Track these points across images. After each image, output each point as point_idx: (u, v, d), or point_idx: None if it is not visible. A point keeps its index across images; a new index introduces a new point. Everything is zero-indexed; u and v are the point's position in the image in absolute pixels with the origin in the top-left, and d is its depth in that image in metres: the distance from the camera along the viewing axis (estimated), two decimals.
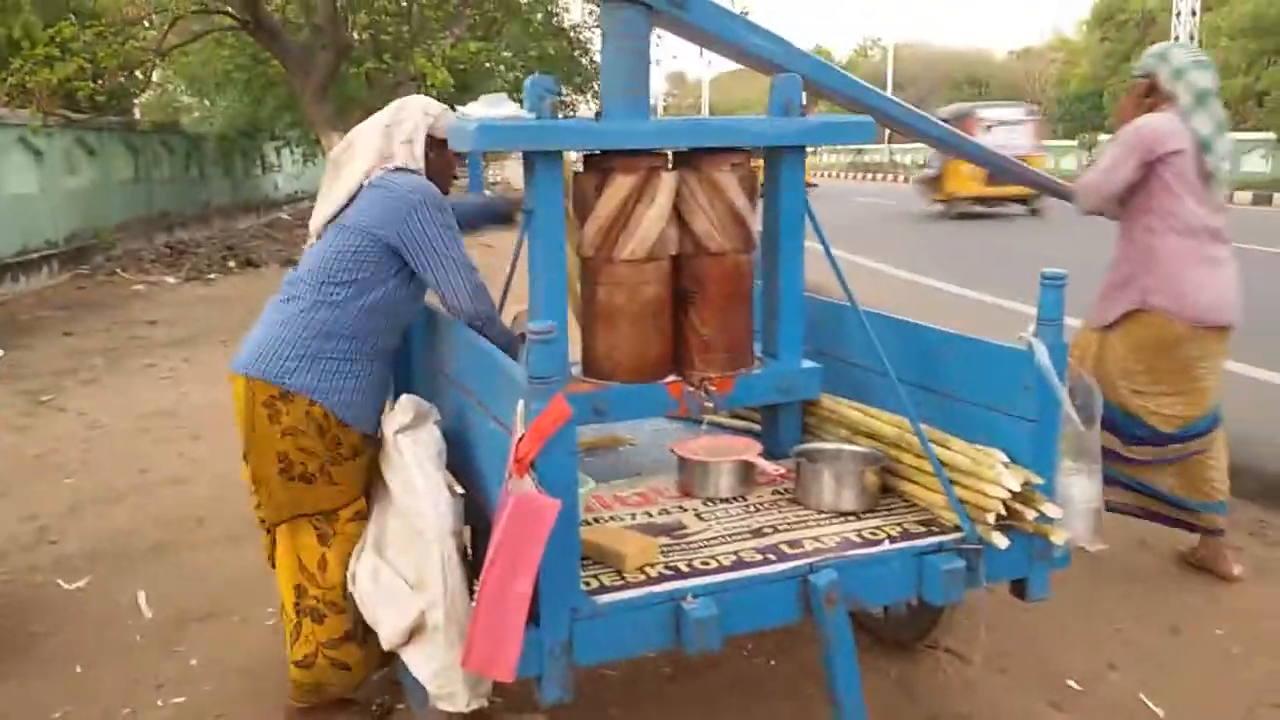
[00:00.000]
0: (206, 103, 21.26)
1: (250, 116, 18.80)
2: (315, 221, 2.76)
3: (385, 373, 2.77)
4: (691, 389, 2.82)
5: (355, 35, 13.54)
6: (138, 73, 13.75)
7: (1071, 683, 3.16)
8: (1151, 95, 3.75)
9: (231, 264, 14.29)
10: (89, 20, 12.80)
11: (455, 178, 2.96)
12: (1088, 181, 3.79)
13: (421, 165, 2.74)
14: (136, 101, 18.92)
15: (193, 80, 19.41)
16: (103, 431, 6.15)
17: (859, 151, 48.04)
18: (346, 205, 2.68)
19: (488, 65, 17.28)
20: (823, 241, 2.83)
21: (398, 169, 2.70)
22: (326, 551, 2.69)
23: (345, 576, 2.65)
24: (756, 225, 2.92)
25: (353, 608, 2.61)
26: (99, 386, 7.37)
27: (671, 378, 2.85)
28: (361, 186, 2.67)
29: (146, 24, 13.80)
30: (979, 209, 19.75)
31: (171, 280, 12.99)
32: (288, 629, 2.78)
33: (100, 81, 12.67)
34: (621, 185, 2.69)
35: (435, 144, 2.79)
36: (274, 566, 2.83)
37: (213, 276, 13.35)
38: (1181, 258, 3.60)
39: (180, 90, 21.27)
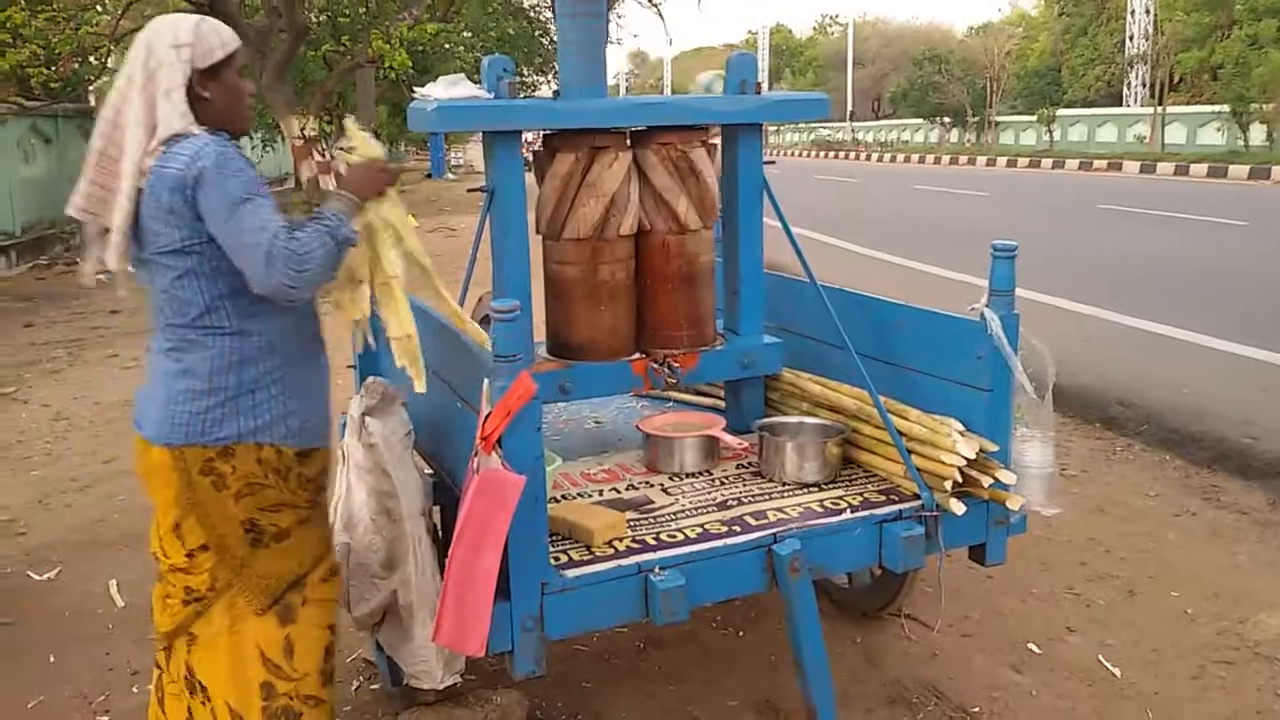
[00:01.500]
0: None
1: None
2: (116, 260, 2.15)
3: (313, 358, 2.30)
4: (655, 366, 2.86)
5: (312, 18, 13.44)
6: (92, 58, 13.54)
7: (1032, 646, 3.24)
8: None
9: None
10: (40, 6, 12.61)
11: (253, 95, 2.31)
12: None
13: (191, 115, 2.10)
14: (92, 87, 18.65)
15: None
16: (67, 423, 6.12)
17: (821, 130, 48.18)
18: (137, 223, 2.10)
19: (446, 46, 17.20)
20: (781, 219, 2.87)
21: (171, 138, 2.06)
22: (291, 631, 2.24)
23: (319, 658, 2.29)
24: (716, 203, 2.96)
25: (332, 692, 2.33)
26: (62, 378, 7.32)
27: (635, 355, 2.89)
28: (139, 190, 2.07)
29: (100, 9, 13.61)
30: None
31: (132, 269, 12.85)
32: None
33: (54, 68, 12.50)
34: (562, 163, 2.72)
35: (205, 76, 2.13)
36: (161, 706, 2.33)
37: None
38: None
39: None
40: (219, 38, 2.15)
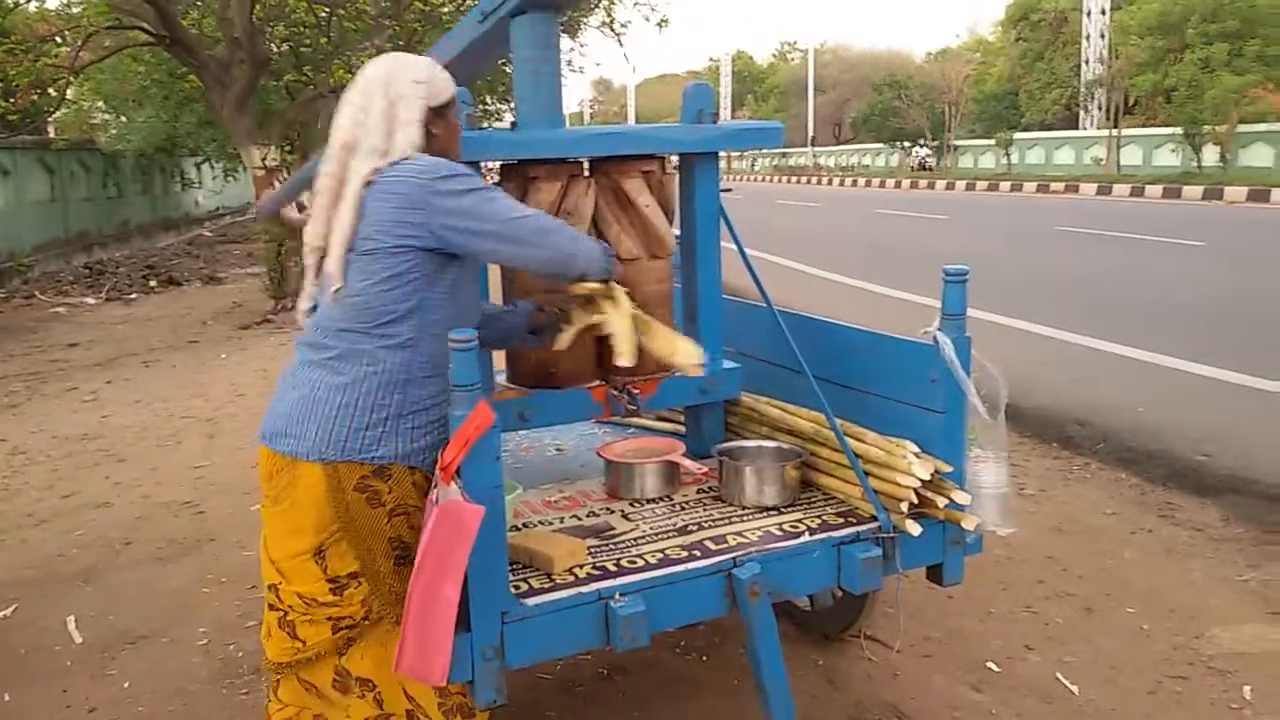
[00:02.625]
0: (123, 119, 20.85)
1: (168, 132, 18.42)
2: (326, 253, 2.18)
3: None
4: (615, 393, 2.87)
5: (274, 48, 13.40)
6: (51, 90, 13.43)
7: (991, 665, 3.28)
8: None
9: (153, 283, 14.08)
10: None
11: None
12: None
13: (422, 147, 2.22)
14: (51, 119, 18.51)
15: (108, 97, 19.02)
16: (25, 457, 6.05)
17: (784, 155, 48.57)
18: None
19: None
20: (738, 244, 2.91)
21: (395, 163, 2.18)
22: None
23: None
24: (674, 230, 2.99)
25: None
26: (19, 412, 7.23)
27: (595, 382, 2.91)
28: (362, 199, 2.14)
29: (59, 40, 13.52)
30: None
31: (91, 301, 12.76)
32: None
33: (12, 100, 12.39)
34: (544, 191, 2.75)
35: (435, 113, 2.27)
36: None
37: (134, 296, 13.14)
38: None
39: (96, 107, 20.83)
40: (446, 80, 2.30)
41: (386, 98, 2.20)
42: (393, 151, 2.18)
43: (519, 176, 2.81)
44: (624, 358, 2.43)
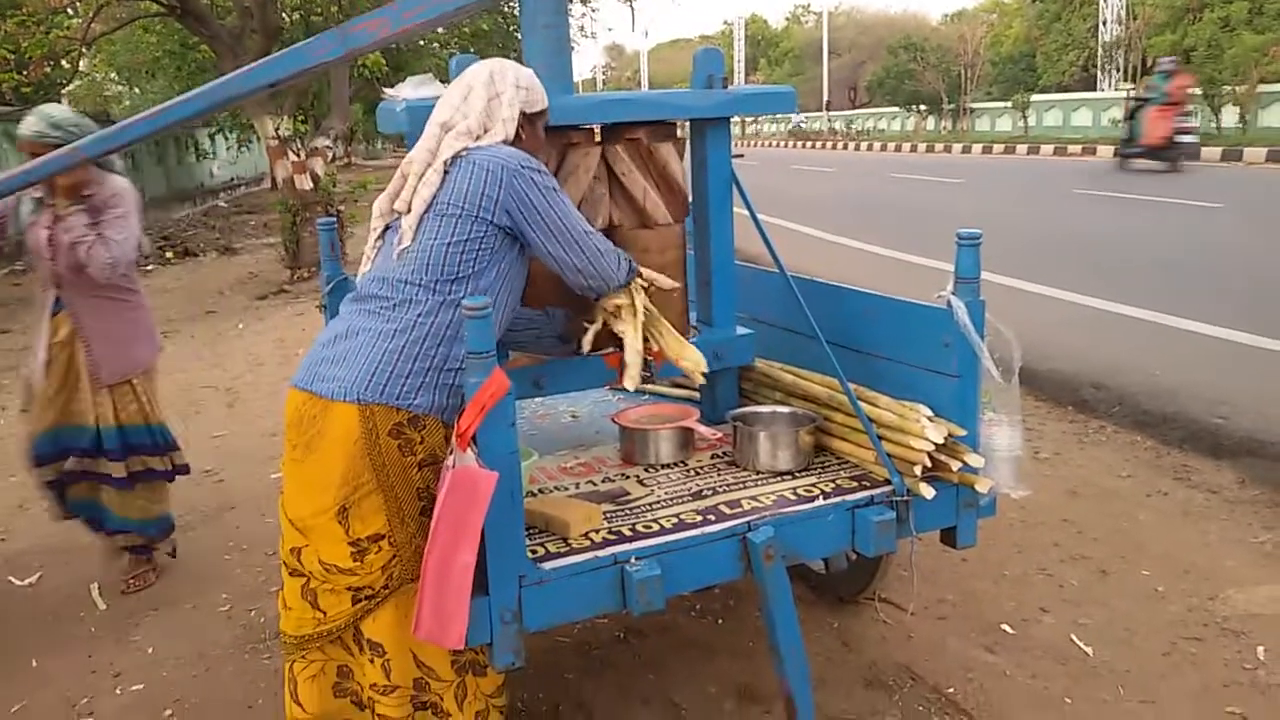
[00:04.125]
0: (136, 90, 20.85)
1: None
2: (405, 213, 2.33)
3: None
4: None
5: (285, 17, 13.37)
6: (64, 62, 13.43)
7: (1005, 627, 3.29)
8: None
9: (169, 254, 14.14)
10: (9, 10, 12.52)
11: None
12: None
13: (510, 143, 2.39)
14: (64, 91, 18.53)
15: (121, 68, 19.03)
16: None
17: (799, 120, 48.24)
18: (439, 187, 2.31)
19: (420, 43, 17.15)
20: (751, 210, 2.91)
21: (484, 146, 2.35)
22: None
23: None
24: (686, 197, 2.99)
25: None
26: None
27: (609, 349, 2.92)
28: (447, 168, 2.31)
29: (70, 12, 13.51)
30: None
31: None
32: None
33: (25, 72, 12.40)
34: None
35: (526, 120, 2.44)
36: (295, 697, 2.36)
37: (150, 268, 13.18)
38: None
39: (109, 79, 20.84)
40: (543, 93, 2.48)
41: (489, 92, 2.38)
42: (484, 138, 2.35)
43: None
44: (630, 382, 2.55)
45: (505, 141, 2.37)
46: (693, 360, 2.66)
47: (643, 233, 2.88)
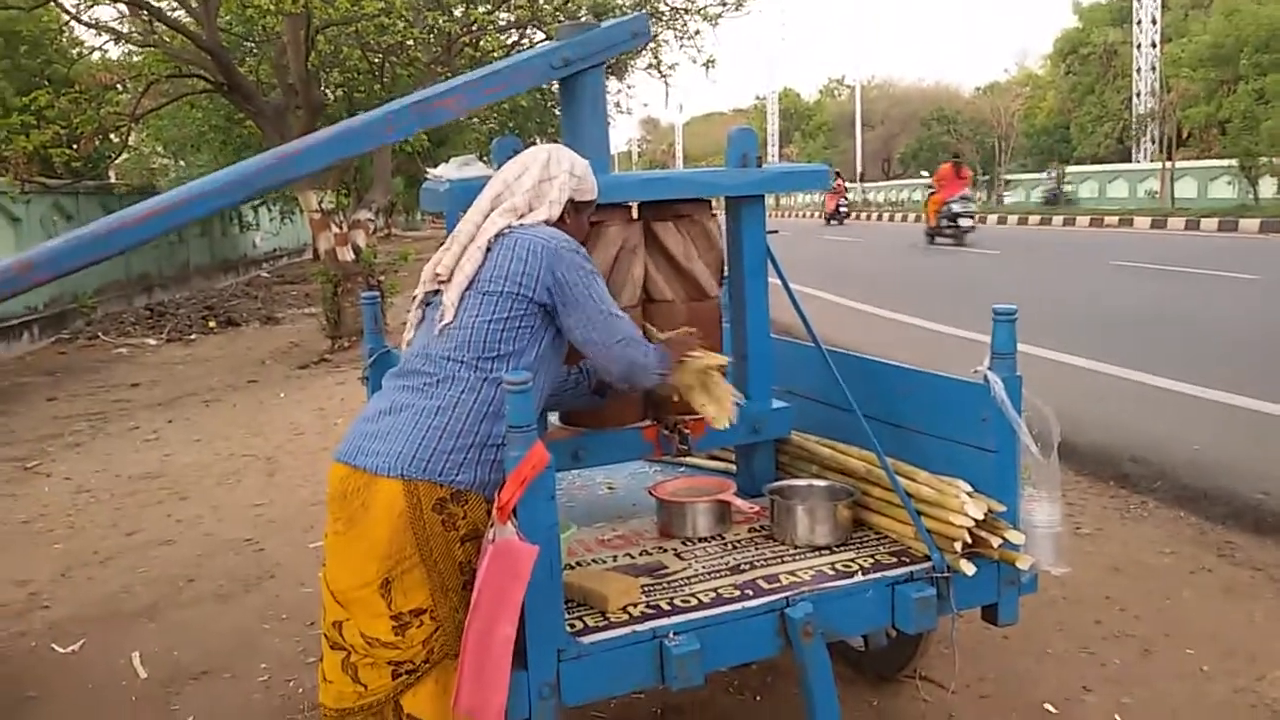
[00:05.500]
0: (182, 163, 21.34)
1: None
2: (446, 287, 2.38)
3: None
4: (666, 433, 2.91)
5: (328, 94, 13.70)
6: (113, 136, 13.81)
7: (1048, 706, 3.24)
8: None
9: (212, 324, 14.35)
10: (63, 88, 12.92)
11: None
12: None
13: (554, 225, 2.46)
14: (112, 165, 19.01)
15: (168, 142, 19.53)
16: (89, 495, 6.19)
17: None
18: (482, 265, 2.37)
19: (460, 119, 17.48)
20: (786, 286, 2.95)
21: (528, 226, 2.42)
22: None
23: None
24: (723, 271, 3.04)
25: None
26: (84, 451, 7.41)
27: (646, 422, 2.94)
28: (490, 246, 2.37)
29: (120, 88, 13.92)
30: None
31: (153, 342, 13.03)
32: None
33: (76, 146, 12.76)
34: None
35: (574, 207, 2.52)
36: None
37: (193, 337, 13.41)
38: None
39: (156, 152, 21.37)
40: (593, 183, 2.56)
41: (543, 174, 2.46)
42: (528, 216, 2.43)
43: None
44: (719, 421, 2.64)
45: (548, 222, 2.43)
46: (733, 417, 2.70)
47: (691, 305, 2.92)
